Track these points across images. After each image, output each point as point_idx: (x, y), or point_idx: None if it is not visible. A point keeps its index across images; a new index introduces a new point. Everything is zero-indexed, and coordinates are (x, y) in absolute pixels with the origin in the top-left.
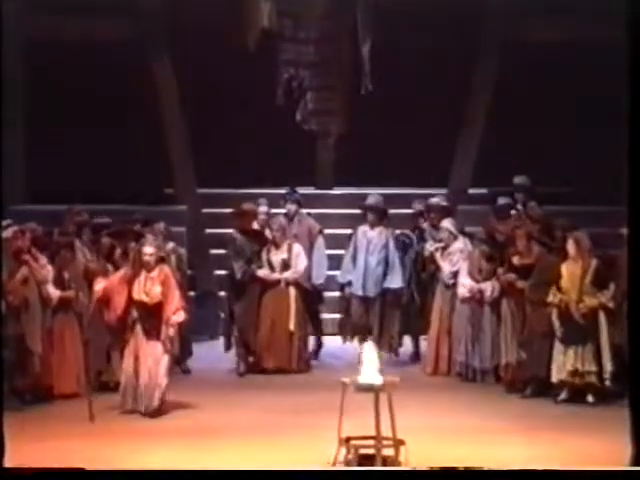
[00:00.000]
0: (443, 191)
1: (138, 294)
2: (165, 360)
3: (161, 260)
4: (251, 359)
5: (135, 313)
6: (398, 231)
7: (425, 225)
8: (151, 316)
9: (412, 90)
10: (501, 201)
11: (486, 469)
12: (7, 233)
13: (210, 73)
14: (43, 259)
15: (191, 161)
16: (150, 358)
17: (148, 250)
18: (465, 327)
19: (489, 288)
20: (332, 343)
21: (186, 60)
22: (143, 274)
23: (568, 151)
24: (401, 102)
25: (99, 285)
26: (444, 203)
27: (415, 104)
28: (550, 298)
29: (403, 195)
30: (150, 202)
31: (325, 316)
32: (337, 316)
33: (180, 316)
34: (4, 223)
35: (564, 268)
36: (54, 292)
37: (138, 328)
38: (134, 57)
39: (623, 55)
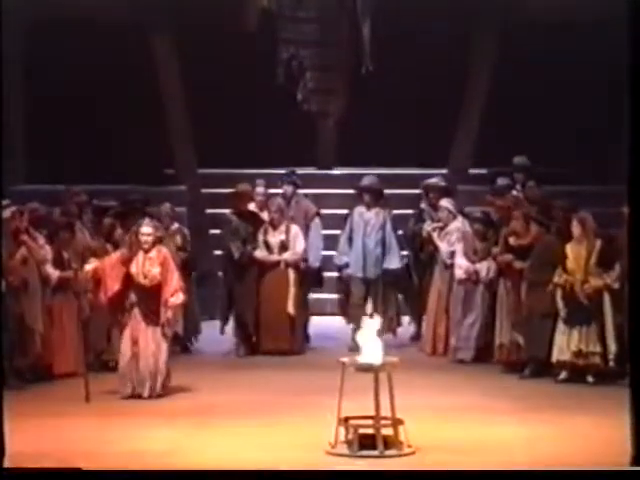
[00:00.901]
0: (444, 171)
1: (137, 276)
2: (166, 345)
3: (159, 241)
4: (252, 341)
5: (133, 296)
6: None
7: (423, 205)
8: (150, 298)
9: (412, 70)
10: (500, 182)
11: (487, 470)
12: (6, 213)
13: (210, 52)
14: (41, 239)
15: (191, 141)
16: (152, 343)
17: (146, 230)
18: (461, 307)
19: (484, 268)
20: (328, 324)
21: (186, 39)
22: (141, 255)
23: (568, 131)
24: (401, 83)
25: (89, 265)
26: (442, 183)
27: (415, 84)
28: (556, 279)
29: (404, 175)
30: (150, 182)
31: (323, 296)
32: (334, 296)
33: (179, 298)
34: (3, 203)
35: (569, 249)
36: (53, 272)
37: (136, 311)
38: (134, 36)
39: (624, 35)
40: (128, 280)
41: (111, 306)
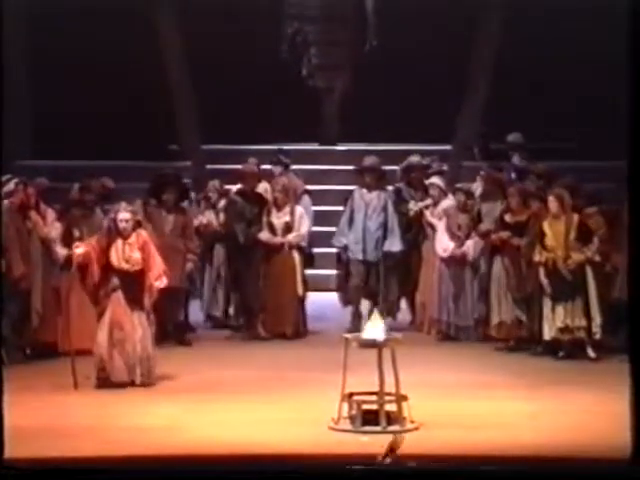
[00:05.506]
0: (448, 147)
1: (118, 262)
2: (151, 330)
3: (138, 225)
4: (257, 325)
5: (116, 281)
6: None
7: (400, 185)
8: (133, 283)
9: (417, 45)
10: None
11: (488, 470)
12: (9, 187)
13: (213, 27)
14: (51, 216)
15: (195, 117)
16: (140, 329)
17: (123, 216)
18: (449, 286)
19: (471, 249)
20: (323, 302)
21: (189, 16)
22: (120, 241)
23: (569, 107)
24: (405, 58)
25: (79, 249)
26: (424, 161)
27: (419, 60)
28: (537, 257)
29: (409, 152)
30: (155, 158)
31: (321, 272)
32: (332, 272)
33: (163, 282)
34: (4, 178)
35: (547, 226)
36: (61, 250)
37: (119, 297)
38: (136, 11)
39: (625, 6)
40: (107, 266)
41: (96, 292)
